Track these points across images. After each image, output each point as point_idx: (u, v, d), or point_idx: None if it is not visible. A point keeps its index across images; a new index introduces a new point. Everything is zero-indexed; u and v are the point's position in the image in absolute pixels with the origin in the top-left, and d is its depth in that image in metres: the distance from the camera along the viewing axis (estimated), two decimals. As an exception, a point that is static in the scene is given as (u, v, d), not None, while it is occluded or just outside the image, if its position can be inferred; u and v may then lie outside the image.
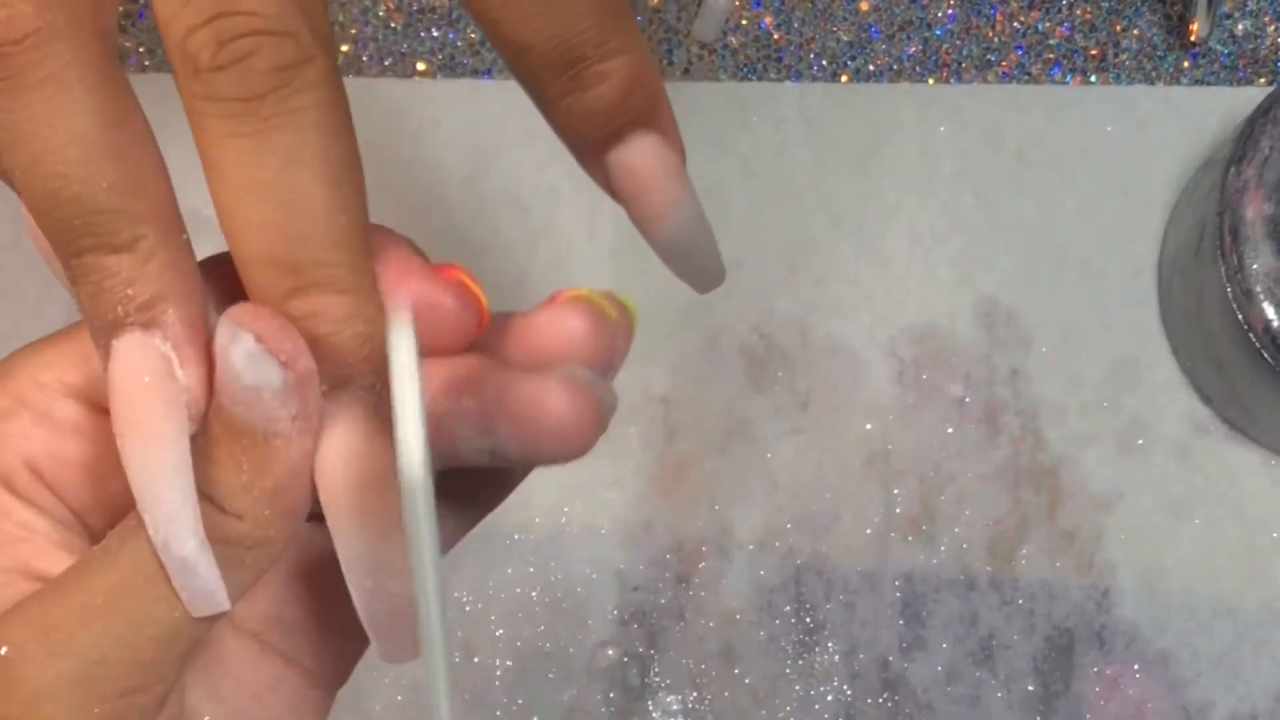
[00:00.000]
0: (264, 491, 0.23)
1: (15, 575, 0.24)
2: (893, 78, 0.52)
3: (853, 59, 0.52)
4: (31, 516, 0.25)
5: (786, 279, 0.50)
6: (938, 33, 0.52)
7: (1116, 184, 0.51)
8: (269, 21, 0.21)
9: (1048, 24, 0.52)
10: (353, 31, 0.52)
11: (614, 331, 0.26)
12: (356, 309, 0.23)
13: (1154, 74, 0.52)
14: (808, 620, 0.49)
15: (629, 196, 0.26)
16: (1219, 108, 0.51)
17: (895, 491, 0.49)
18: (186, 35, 0.21)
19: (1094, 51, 0.52)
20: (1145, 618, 0.49)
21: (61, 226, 0.22)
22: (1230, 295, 0.43)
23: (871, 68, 0.52)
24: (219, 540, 0.23)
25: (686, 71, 0.52)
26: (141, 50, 0.52)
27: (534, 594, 0.49)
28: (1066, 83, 0.52)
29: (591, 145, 0.26)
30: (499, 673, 0.49)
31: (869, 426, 0.50)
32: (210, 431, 0.23)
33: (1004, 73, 0.52)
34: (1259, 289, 0.43)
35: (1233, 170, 0.44)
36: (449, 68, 0.52)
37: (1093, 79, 0.52)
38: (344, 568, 0.24)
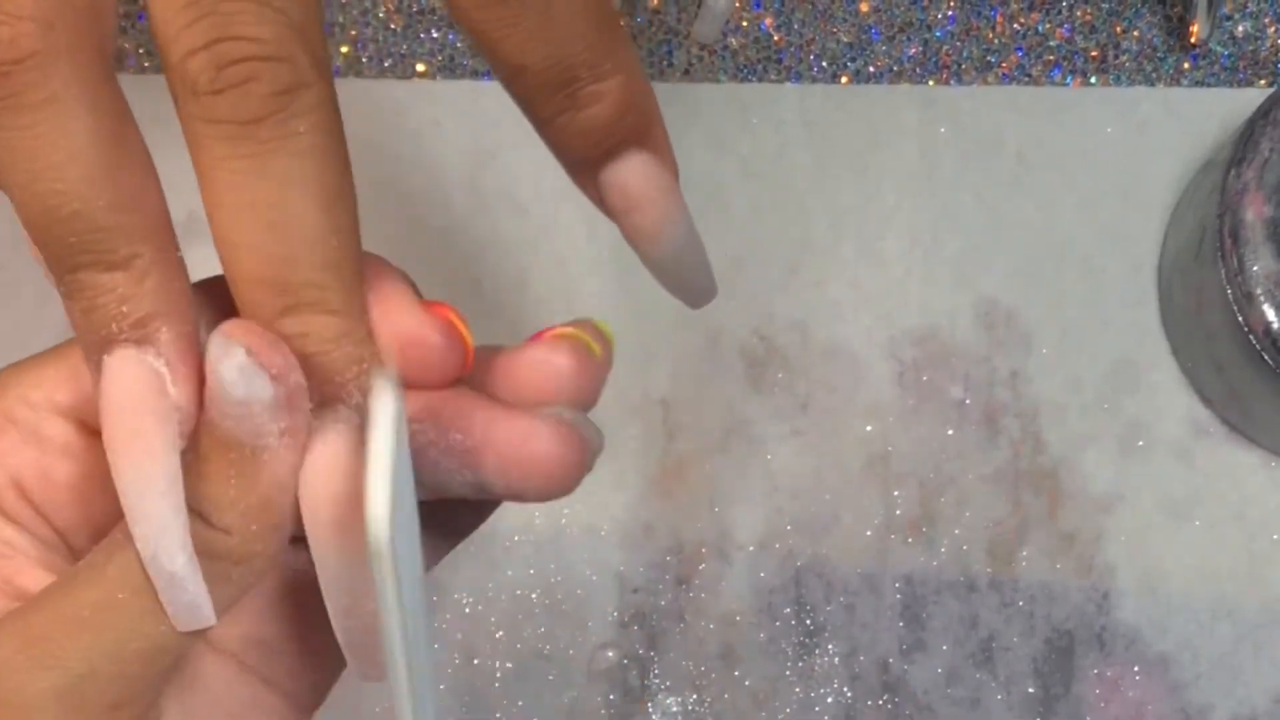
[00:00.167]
0: (250, 506, 0.23)
1: None
2: (893, 79, 0.52)
3: (853, 60, 0.52)
4: (14, 534, 0.25)
5: (786, 280, 0.50)
6: (938, 34, 0.52)
7: (1117, 185, 0.51)
8: (268, 47, 0.22)
9: (1048, 25, 0.52)
10: (352, 32, 0.52)
11: (598, 368, 0.26)
12: (346, 330, 0.23)
13: (1154, 75, 0.52)
14: (808, 622, 0.49)
15: (622, 214, 0.27)
16: (1219, 109, 0.51)
17: (895, 493, 0.49)
18: (186, 58, 0.22)
19: (1094, 53, 0.52)
20: (1145, 620, 0.49)
21: (58, 243, 0.22)
22: (1230, 297, 0.43)
23: (871, 69, 0.52)
24: (206, 555, 0.23)
25: (686, 72, 0.52)
26: (141, 51, 0.52)
27: (534, 596, 0.49)
28: (1067, 84, 0.52)
29: (585, 163, 0.26)
30: (498, 674, 0.49)
31: (869, 428, 0.50)
32: (199, 447, 0.23)
33: (1004, 74, 0.52)
34: (1259, 291, 0.43)
35: (1233, 172, 0.44)
36: (449, 68, 0.52)
37: (1093, 80, 0.52)
38: (322, 585, 0.24)
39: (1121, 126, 0.51)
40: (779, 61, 0.52)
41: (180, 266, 0.23)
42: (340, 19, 0.52)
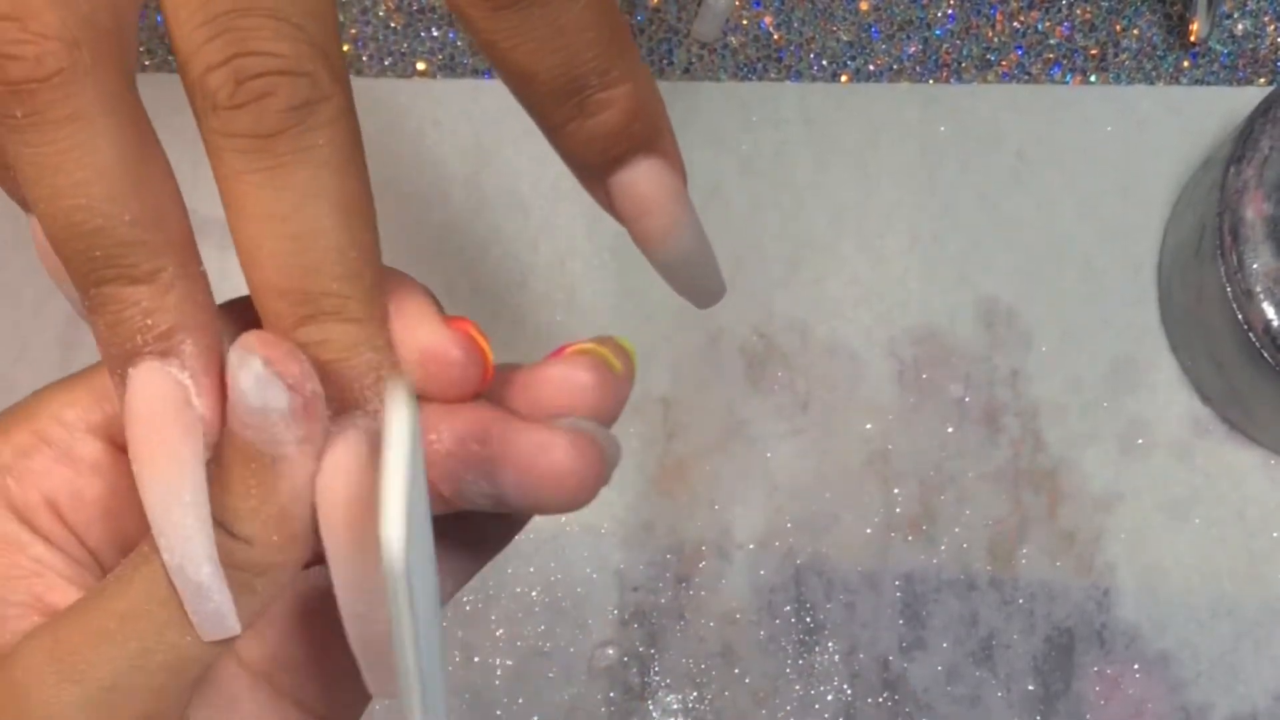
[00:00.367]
0: (271, 516, 0.23)
1: (28, 609, 0.25)
2: (893, 78, 0.52)
3: (853, 59, 0.52)
4: (45, 552, 0.25)
5: (787, 279, 0.51)
6: (938, 33, 0.52)
7: (1116, 183, 0.51)
8: (287, 62, 0.22)
9: (1047, 24, 0.52)
10: (352, 31, 0.52)
11: (620, 384, 0.26)
12: (365, 337, 0.24)
13: (1154, 74, 0.52)
14: (808, 620, 0.49)
15: (631, 218, 0.27)
16: (1219, 107, 0.51)
17: (895, 491, 0.49)
18: (206, 73, 0.22)
19: (1094, 51, 0.52)
20: (1145, 618, 0.49)
21: (83, 258, 0.23)
22: (1230, 295, 0.43)
23: (871, 67, 0.52)
24: (229, 565, 0.23)
25: (686, 71, 0.52)
26: (142, 50, 0.52)
27: (534, 594, 0.49)
28: (1066, 82, 0.52)
29: (594, 169, 0.27)
30: (499, 672, 0.49)
31: (869, 427, 0.50)
32: (222, 458, 0.24)
33: (1004, 72, 0.52)
34: (1259, 289, 0.43)
35: (1232, 170, 0.44)
36: (449, 67, 0.52)
37: (1092, 79, 0.52)
38: (337, 593, 0.24)
39: (1121, 124, 0.51)
40: (779, 60, 0.52)
41: (204, 280, 0.24)
42: (340, 17, 0.52)
